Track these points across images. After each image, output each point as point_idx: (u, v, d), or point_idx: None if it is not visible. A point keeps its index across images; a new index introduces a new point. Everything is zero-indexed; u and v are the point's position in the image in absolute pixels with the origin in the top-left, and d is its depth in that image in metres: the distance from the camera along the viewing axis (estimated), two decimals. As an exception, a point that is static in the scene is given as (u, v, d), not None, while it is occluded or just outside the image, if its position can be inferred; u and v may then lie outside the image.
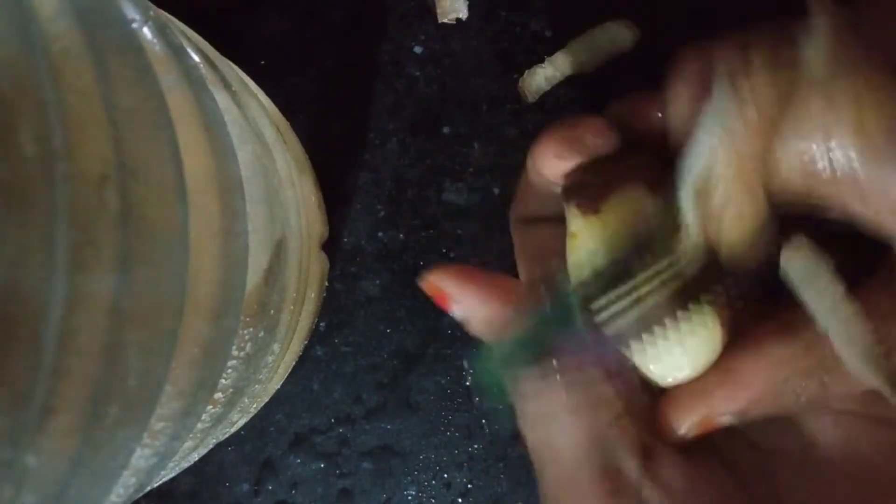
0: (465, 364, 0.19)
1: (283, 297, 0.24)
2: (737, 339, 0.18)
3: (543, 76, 0.32)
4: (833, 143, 0.14)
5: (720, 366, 0.18)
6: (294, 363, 0.31)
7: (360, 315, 0.33)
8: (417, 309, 0.32)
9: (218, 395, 0.21)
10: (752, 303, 0.19)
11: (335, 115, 0.33)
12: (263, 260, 0.22)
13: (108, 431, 0.15)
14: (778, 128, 0.15)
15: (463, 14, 0.33)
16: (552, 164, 0.20)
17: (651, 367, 0.19)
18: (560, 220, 0.20)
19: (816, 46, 0.15)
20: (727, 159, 0.16)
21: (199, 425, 0.21)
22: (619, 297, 0.18)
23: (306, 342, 0.32)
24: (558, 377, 0.18)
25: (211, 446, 0.25)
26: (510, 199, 0.26)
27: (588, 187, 0.19)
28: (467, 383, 0.19)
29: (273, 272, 0.22)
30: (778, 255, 0.17)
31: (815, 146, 0.15)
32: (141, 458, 0.18)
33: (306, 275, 0.28)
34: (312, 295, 0.30)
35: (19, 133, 0.13)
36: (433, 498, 0.32)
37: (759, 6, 0.31)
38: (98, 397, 0.14)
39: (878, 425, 0.18)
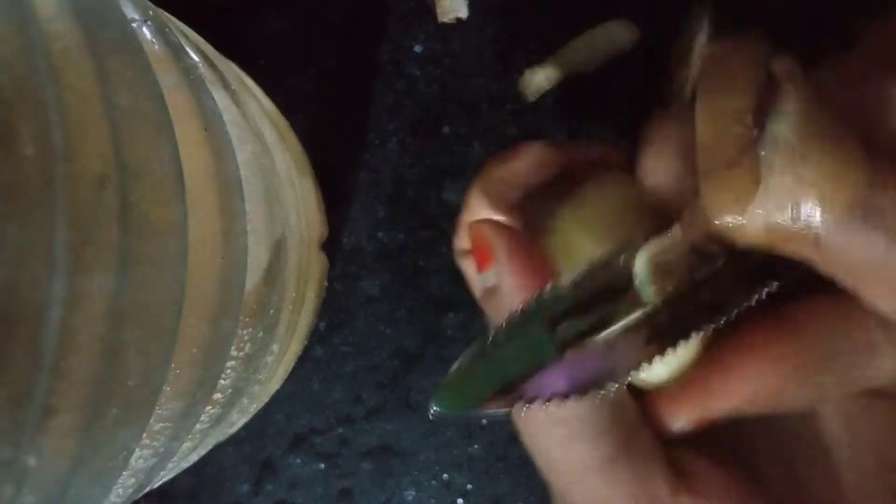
0: (430, 404, 0.18)
1: (283, 297, 0.24)
2: (734, 335, 0.18)
3: (543, 76, 0.32)
4: (801, 212, 0.15)
5: (716, 362, 0.18)
6: (294, 363, 0.31)
7: (360, 315, 0.33)
8: (417, 309, 0.32)
9: (217, 396, 0.21)
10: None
11: (335, 115, 0.33)
12: (263, 260, 0.22)
13: (108, 431, 0.15)
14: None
15: (463, 14, 0.33)
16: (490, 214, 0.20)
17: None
18: None
19: (786, 119, 0.15)
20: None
21: (199, 426, 0.21)
22: (592, 329, 0.17)
23: (306, 342, 0.32)
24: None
25: (210, 447, 0.25)
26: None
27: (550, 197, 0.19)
28: (431, 416, 0.18)
29: (272, 272, 0.22)
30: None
31: (782, 214, 0.15)
32: (140, 458, 0.18)
33: (306, 275, 0.28)
34: (312, 295, 0.30)
35: (19, 133, 0.13)
36: (433, 498, 0.32)
37: (759, 5, 0.31)
38: (98, 397, 0.14)
39: (871, 398, 0.18)
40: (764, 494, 0.18)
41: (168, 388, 0.17)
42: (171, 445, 0.19)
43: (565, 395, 0.17)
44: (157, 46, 0.18)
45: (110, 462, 0.16)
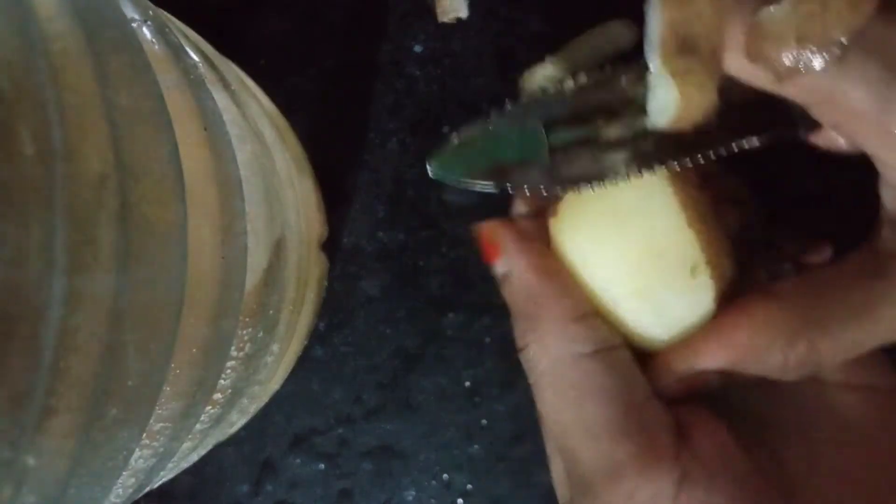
0: (427, 162, 0.20)
1: (283, 297, 0.24)
2: (732, 305, 0.19)
3: (543, 76, 0.32)
4: (805, 50, 0.16)
5: (709, 327, 0.19)
6: (294, 363, 0.31)
7: (360, 315, 0.33)
8: (417, 309, 0.32)
9: (217, 396, 0.21)
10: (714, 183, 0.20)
11: (335, 115, 0.33)
12: (263, 260, 0.22)
13: (108, 431, 0.15)
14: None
15: (463, 13, 0.33)
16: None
17: None
18: None
19: None
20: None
21: (199, 426, 0.21)
22: (581, 141, 0.19)
23: (306, 342, 0.32)
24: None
25: (210, 447, 0.25)
26: (510, 199, 0.26)
27: None
28: (429, 174, 0.20)
29: (272, 272, 0.22)
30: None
31: (786, 55, 0.16)
32: (140, 458, 0.18)
33: (306, 275, 0.28)
34: (312, 295, 0.30)
35: (19, 133, 0.13)
36: (433, 498, 0.32)
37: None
38: (98, 397, 0.14)
39: (863, 392, 0.19)
40: (772, 469, 0.19)
41: (168, 389, 0.17)
42: (171, 445, 0.19)
43: (546, 190, 0.19)
44: (157, 46, 0.18)
45: (110, 462, 0.16)
